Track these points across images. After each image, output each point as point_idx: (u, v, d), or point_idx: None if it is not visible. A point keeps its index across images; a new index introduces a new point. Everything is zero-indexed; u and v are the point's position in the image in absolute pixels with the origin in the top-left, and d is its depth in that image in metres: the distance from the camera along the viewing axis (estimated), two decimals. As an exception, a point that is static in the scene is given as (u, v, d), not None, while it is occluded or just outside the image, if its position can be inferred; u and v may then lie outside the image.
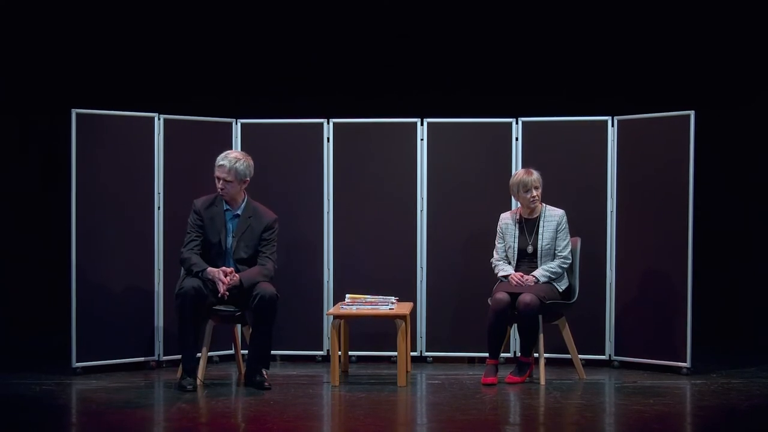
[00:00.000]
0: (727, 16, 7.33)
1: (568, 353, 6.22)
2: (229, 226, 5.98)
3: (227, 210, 5.98)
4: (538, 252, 6.15)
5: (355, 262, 6.73)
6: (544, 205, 6.21)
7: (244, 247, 5.97)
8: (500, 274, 6.19)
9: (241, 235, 5.96)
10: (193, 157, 6.58)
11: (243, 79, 7.61)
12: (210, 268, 5.84)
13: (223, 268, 5.83)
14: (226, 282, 5.79)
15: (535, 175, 6.10)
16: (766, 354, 6.88)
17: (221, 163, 5.92)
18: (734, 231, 7.54)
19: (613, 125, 6.54)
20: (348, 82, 7.60)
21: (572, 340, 6.17)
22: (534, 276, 6.08)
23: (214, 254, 5.94)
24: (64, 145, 6.34)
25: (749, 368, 6.46)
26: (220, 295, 5.80)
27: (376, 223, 6.73)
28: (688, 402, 5.62)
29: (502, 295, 5.99)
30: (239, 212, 5.99)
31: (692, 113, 6.24)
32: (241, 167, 5.92)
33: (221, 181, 5.93)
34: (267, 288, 5.83)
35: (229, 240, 5.96)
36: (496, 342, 6.04)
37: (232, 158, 5.92)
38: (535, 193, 6.07)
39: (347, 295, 6.23)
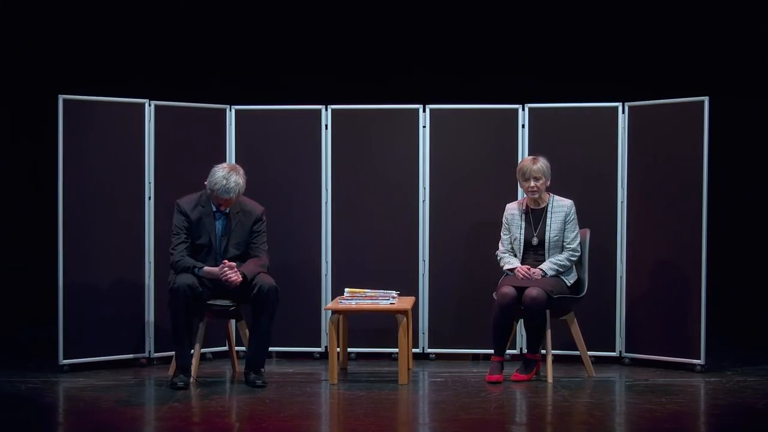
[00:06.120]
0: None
1: (577, 350, 6.17)
2: (218, 225, 5.89)
3: (216, 211, 5.90)
4: (546, 244, 6.06)
5: (354, 255, 6.67)
6: (552, 195, 6.14)
7: (234, 245, 5.93)
8: (506, 267, 6.12)
9: (231, 233, 5.92)
10: (185, 145, 6.54)
11: (237, 63, 7.59)
12: (206, 267, 5.80)
13: (225, 261, 5.77)
14: (234, 270, 5.73)
15: (540, 164, 5.98)
16: (783, 351, 6.88)
17: (228, 197, 5.78)
18: (750, 222, 7.51)
19: (623, 112, 6.49)
20: (347, 66, 7.56)
21: (581, 336, 6.11)
22: (541, 269, 6.01)
23: (204, 255, 5.89)
24: (51, 132, 6.27)
25: (766, 365, 6.41)
26: (231, 280, 5.73)
27: (377, 214, 6.67)
28: (701, 401, 5.59)
29: (507, 289, 5.92)
30: (227, 210, 5.92)
31: (706, 99, 6.19)
32: (243, 184, 5.83)
33: (223, 205, 5.86)
34: (266, 279, 5.82)
35: (219, 239, 5.90)
36: (502, 338, 5.98)
37: (234, 183, 5.78)
38: (533, 183, 5.98)
39: (346, 290, 6.18)
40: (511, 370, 6.02)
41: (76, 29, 7.41)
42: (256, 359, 5.83)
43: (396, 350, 6.12)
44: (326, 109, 6.65)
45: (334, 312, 5.97)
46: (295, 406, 5.32)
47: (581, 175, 6.47)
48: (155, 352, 6.44)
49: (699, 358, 6.18)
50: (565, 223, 6.05)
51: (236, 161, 6.46)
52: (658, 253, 6.34)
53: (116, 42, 7.45)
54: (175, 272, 5.82)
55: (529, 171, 5.99)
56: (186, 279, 5.71)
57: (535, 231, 6.08)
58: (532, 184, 5.99)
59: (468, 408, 5.27)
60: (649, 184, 6.37)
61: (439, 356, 6.66)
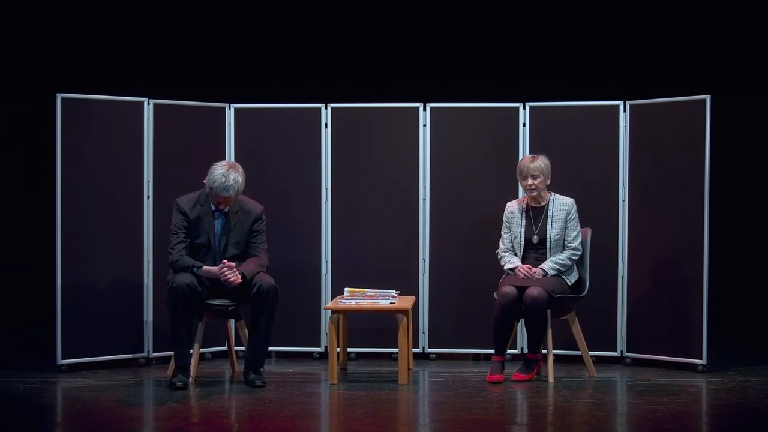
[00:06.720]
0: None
1: (578, 350, 6.14)
2: (217, 224, 5.86)
3: (215, 210, 5.86)
4: (547, 243, 6.03)
5: (354, 255, 6.64)
6: (553, 193, 6.11)
7: (234, 244, 5.89)
8: (506, 266, 6.08)
9: (230, 232, 5.88)
10: (184, 144, 6.51)
11: (237, 62, 7.56)
12: (206, 267, 5.77)
13: (224, 261, 5.73)
14: (233, 270, 5.70)
15: (538, 162, 5.96)
16: (786, 350, 6.85)
17: (227, 194, 5.74)
18: (752, 221, 7.49)
19: (625, 110, 6.45)
20: (347, 65, 7.54)
21: (582, 335, 6.08)
22: (542, 268, 5.97)
23: (203, 254, 5.86)
24: (49, 131, 6.25)
25: (768, 365, 6.42)
26: (230, 281, 5.69)
27: (377, 213, 6.64)
28: (703, 401, 5.56)
29: (508, 289, 5.89)
30: (227, 210, 5.88)
31: (708, 98, 6.15)
32: (242, 182, 5.79)
33: (222, 204, 5.82)
34: (266, 278, 5.80)
35: (218, 239, 5.86)
36: (503, 338, 5.95)
37: (233, 181, 5.74)
38: (531, 181, 5.96)
39: (346, 289, 6.14)
40: (512, 370, 5.98)
41: (74, 28, 7.38)
42: (255, 359, 5.80)
43: (396, 350, 6.09)
44: (326, 108, 6.62)
45: (334, 312, 5.94)
46: (295, 406, 5.29)
47: (582, 173, 6.43)
48: (154, 351, 6.41)
49: (701, 358, 6.14)
50: (566, 221, 6.02)
51: (235, 160, 6.42)
52: (660, 253, 6.30)
53: (115, 40, 7.42)
54: (173, 271, 5.78)
55: (526, 169, 5.96)
56: (185, 278, 5.68)
57: (536, 229, 6.05)
58: (530, 182, 5.96)
59: (469, 408, 5.24)
60: (650, 182, 6.34)
61: (439, 356, 6.63)
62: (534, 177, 5.96)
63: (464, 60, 7.50)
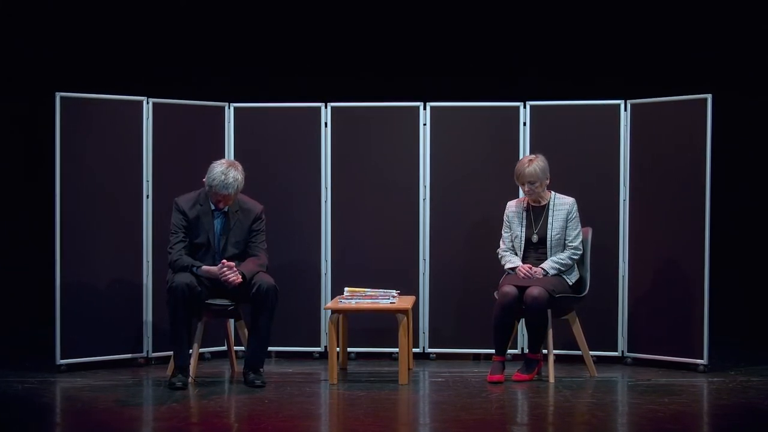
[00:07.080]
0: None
1: (579, 350, 6.13)
2: (216, 223, 5.84)
3: (215, 209, 5.86)
4: (547, 242, 6.02)
5: (354, 254, 6.63)
6: (553, 193, 6.10)
7: (234, 243, 5.88)
8: (507, 266, 6.07)
9: (230, 232, 5.87)
10: (183, 142, 6.50)
11: (236, 61, 7.55)
12: (205, 266, 5.76)
13: (223, 261, 5.72)
14: (233, 270, 5.68)
15: (533, 167, 5.93)
16: (787, 350, 6.84)
17: (226, 192, 5.73)
18: (753, 221, 7.47)
19: (626, 109, 6.44)
20: (347, 64, 7.53)
21: (583, 335, 6.06)
22: (542, 268, 5.96)
23: (203, 254, 5.85)
24: (48, 130, 6.23)
25: (769, 365, 6.41)
26: (230, 281, 5.68)
27: (377, 212, 6.63)
28: (704, 401, 5.56)
29: (509, 288, 5.88)
30: (226, 209, 5.87)
31: (709, 97, 6.14)
32: (241, 180, 5.78)
33: (222, 202, 5.81)
34: (266, 278, 5.79)
35: (218, 238, 5.85)
36: (503, 338, 5.94)
37: (233, 179, 5.73)
38: (528, 187, 5.96)
39: (346, 289, 6.13)
40: (513, 370, 5.97)
41: (74, 28, 7.37)
42: (255, 359, 5.79)
43: (396, 350, 6.08)
44: (326, 107, 6.60)
45: (334, 311, 5.93)
46: (295, 406, 5.28)
47: (583, 173, 6.42)
48: (153, 351, 6.40)
49: (702, 358, 6.13)
50: (566, 221, 6.00)
51: (235, 159, 6.40)
52: (661, 252, 6.29)
53: (114, 40, 7.41)
54: (173, 271, 5.77)
55: (522, 175, 5.95)
56: (184, 278, 5.67)
57: (536, 229, 6.03)
58: (527, 188, 5.96)
59: (469, 408, 5.23)
60: (651, 182, 6.32)
61: (439, 356, 6.61)
62: (530, 183, 5.94)
63: (464, 59, 7.48)
